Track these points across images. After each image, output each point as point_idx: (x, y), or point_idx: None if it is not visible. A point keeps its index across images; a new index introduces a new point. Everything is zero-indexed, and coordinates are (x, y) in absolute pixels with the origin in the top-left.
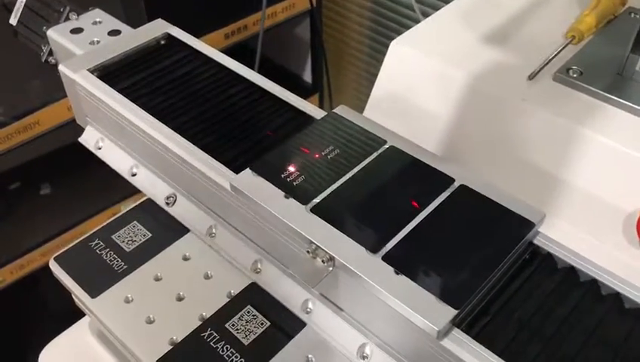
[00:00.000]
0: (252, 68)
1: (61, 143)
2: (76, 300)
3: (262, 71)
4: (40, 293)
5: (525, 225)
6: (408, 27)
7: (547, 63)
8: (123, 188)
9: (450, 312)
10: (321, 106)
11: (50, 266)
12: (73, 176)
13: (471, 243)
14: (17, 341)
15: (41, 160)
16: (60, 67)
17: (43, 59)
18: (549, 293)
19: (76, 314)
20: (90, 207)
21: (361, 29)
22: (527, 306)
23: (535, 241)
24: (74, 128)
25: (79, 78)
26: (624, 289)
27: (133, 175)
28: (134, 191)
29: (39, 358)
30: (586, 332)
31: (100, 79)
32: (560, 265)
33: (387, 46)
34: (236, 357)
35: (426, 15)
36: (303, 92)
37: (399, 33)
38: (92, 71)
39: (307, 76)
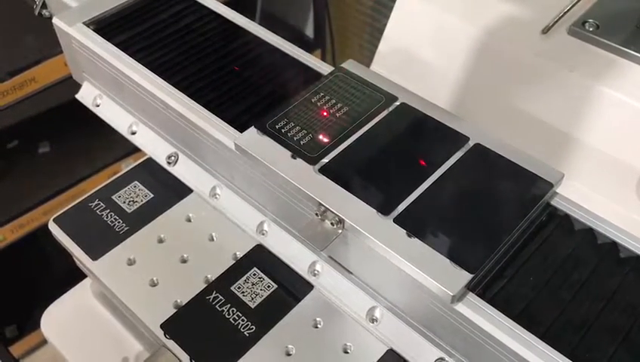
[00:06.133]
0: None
1: (59, 100)
2: (77, 262)
3: (262, 25)
4: (41, 252)
5: (543, 186)
6: None
7: (562, 16)
8: (124, 145)
9: (465, 277)
10: None
11: (50, 227)
12: (72, 134)
13: (486, 205)
14: (19, 300)
15: (40, 118)
16: (54, 20)
17: (36, 12)
18: (566, 256)
19: (79, 272)
20: (90, 165)
21: None
22: (543, 269)
23: (552, 202)
24: (72, 85)
25: (74, 31)
26: None
27: (133, 133)
28: (135, 149)
29: (41, 321)
30: (604, 297)
31: (97, 33)
32: (578, 226)
33: None
34: (242, 320)
35: None
36: (305, 48)
37: None
38: (88, 24)
39: (309, 31)
